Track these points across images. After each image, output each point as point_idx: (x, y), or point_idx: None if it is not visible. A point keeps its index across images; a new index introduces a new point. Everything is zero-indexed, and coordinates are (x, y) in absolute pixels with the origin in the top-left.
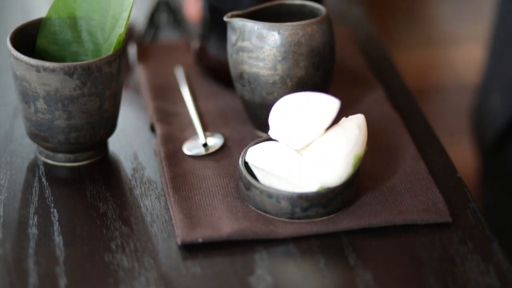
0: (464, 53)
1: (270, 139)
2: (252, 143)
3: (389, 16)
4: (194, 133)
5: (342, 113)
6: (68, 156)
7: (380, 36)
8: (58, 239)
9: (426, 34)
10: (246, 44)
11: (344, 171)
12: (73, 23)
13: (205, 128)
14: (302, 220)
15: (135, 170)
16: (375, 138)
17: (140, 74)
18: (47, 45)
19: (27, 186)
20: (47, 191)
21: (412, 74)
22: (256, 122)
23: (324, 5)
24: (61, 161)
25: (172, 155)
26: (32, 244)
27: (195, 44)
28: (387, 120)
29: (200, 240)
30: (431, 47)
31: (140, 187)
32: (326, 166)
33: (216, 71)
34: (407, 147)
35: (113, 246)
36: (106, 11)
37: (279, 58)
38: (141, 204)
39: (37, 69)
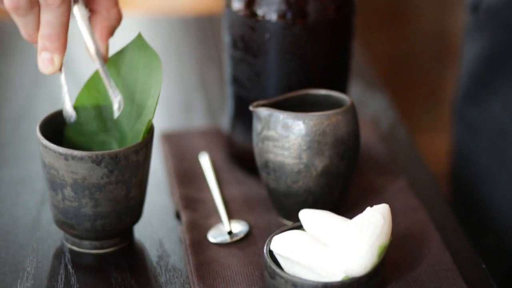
0: None
1: (295, 227)
2: (277, 231)
3: (411, 100)
4: (219, 221)
5: (366, 202)
6: (94, 243)
7: (402, 123)
8: None
9: (446, 119)
10: (271, 133)
11: (369, 261)
12: (98, 113)
13: (230, 216)
14: None
15: (160, 257)
16: (399, 227)
17: (166, 160)
18: (74, 136)
19: (53, 273)
20: (72, 278)
21: (434, 158)
22: (281, 210)
23: (349, 94)
24: (87, 248)
25: (197, 242)
26: None
27: (221, 131)
28: (411, 209)
29: None
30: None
31: (165, 275)
32: (351, 255)
33: (241, 159)
34: (432, 236)
35: None
36: (132, 99)
37: (304, 147)
38: None
39: (66, 157)
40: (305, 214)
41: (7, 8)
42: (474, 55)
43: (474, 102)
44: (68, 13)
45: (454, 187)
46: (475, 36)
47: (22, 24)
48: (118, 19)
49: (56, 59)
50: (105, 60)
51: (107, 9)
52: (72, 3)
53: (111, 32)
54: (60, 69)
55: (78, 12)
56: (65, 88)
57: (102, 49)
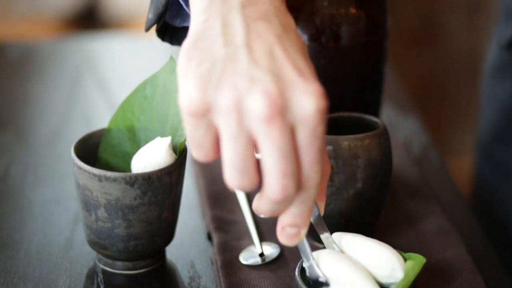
0: None
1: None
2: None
3: (441, 122)
4: (251, 242)
5: (398, 225)
6: (126, 264)
7: (434, 146)
8: None
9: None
10: None
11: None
12: (132, 135)
13: (261, 238)
14: None
15: (191, 278)
16: (431, 251)
17: (198, 182)
18: (108, 157)
19: None
20: None
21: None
22: (312, 233)
23: (381, 117)
24: (120, 269)
25: (228, 264)
26: None
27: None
28: (443, 232)
29: None
30: None
31: None
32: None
33: None
34: (464, 260)
35: None
36: (165, 121)
37: (336, 170)
38: None
39: (100, 178)
40: (337, 237)
41: (275, 199)
42: (507, 93)
43: (505, 141)
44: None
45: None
46: (509, 73)
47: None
48: (329, 173)
49: (303, 232)
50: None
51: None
52: None
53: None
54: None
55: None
56: (308, 255)
57: (322, 209)
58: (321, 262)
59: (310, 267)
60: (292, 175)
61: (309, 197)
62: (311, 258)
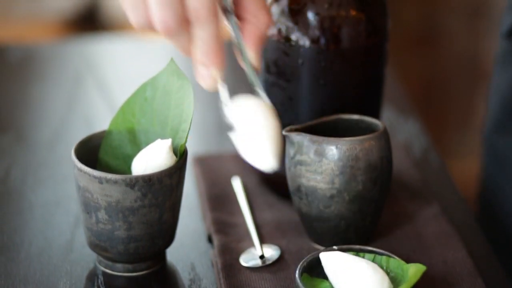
0: None
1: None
2: (308, 256)
3: (442, 124)
4: (251, 245)
5: (399, 228)
6: (127, 266)
7: (435, 148)
8: None
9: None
10: (304, 158)
11: None
12: (132, 137)
13: (262, 240)
14: None
15: (192, 281)
16: (432, 253)
17: (198, 184)
18: (108, 159)
19: None
20: None
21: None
22: (312, 235)
23: (381, 119)
24: (120, 271)
25: (229, 266)
26: None
27: None
28: (444, 235)
29: None
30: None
31: None
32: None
33: (273, 183)
34: (464, 263)
35: None
36: (165, 123)
37: (337, 173)
38: None
39: (100, 180)
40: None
41: (159, 31)
42: (506, 83)
43: (505, 132)
44: (219, 26)
45: (481, 216)
46: (508, 63)
47: (177, 44)
48: (267, 22)
49: (215, 73)
50: (257, 69)
51: (255, 15)
52: (222, 14)
53: (262, 39)
54: (219, 83)
55: (229, 23)
56: (226, 100)
57: (253, 60)
58: (235, 109)
59: (225, 112)
60: (171, 6)
61: (206, 33)
62: (228, 103)
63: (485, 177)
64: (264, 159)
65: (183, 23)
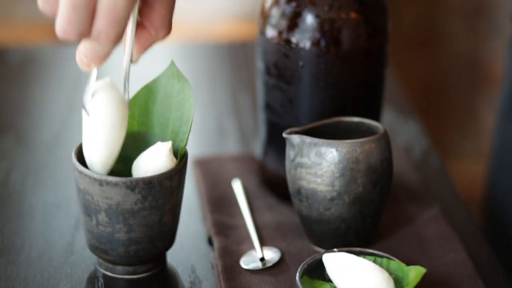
0: None
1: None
2: (309, 258)
3: (442, 126)
4: (252, 247)
5: (399, 230)
6: (127, 268)
7: (435, 150)
8: None
9: (478, 145)
10: (304, 160)
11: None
12: (132, 140)
13: (262, 242)
14: None
15: (192, 283)
16: (432, 255)
17: (198, 186)
18: None
19: None
20: None
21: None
22: (313, 237)
23: (381, 122)
24: (120, 274)
25: (229, 268)
26: None
27: (254, 158)
28: (444, 237)
29: None
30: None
31: None
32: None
33: (273, 185)
34: (465, 265)
35: None
36: (166, 126)
37: (337, 175)
38: None
39: (100, 183)
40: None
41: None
42: None
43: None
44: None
45: (487, 215)
46: None
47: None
48: (165, 37)
49: (93, 66)
50: (133, 62)
51: (156, 30)
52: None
53: (151, 46)
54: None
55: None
56: (90, 84)
57: (135, 58)
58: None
59: (85, 99)
60: (77, 24)
61: (100, 49)
62: (89, 88)
63: (491, 174)
64: (94, 154)
65: (85, 33)
